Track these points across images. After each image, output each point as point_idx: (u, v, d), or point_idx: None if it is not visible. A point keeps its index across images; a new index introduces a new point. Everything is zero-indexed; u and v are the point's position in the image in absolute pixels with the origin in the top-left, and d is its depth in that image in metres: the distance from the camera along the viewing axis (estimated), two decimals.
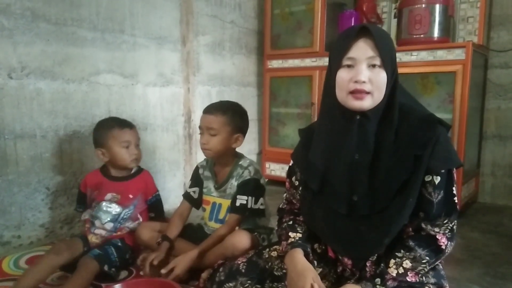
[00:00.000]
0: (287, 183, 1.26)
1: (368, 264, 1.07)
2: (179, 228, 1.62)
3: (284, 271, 1.17)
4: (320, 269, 1.15)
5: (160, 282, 1.33)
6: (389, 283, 0.99)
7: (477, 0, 2.47)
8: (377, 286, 0.99)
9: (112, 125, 1.66)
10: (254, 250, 1.34)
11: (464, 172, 2.24)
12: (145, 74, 2.25)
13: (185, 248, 1.53)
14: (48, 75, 1.81)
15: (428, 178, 0.99)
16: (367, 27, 0.99)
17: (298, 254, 1.10)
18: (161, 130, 2.39)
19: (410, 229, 1.04)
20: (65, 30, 1.86)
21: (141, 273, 1.53)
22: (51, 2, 1.80)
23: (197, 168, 1.75)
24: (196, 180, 1.72)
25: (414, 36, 2.36)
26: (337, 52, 1.03)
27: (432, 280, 1.05)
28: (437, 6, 2.31)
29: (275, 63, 2.95)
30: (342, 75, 1.01)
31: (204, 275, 1.39)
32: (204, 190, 1.69)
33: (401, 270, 0.99)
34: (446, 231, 1.01)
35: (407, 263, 1.00)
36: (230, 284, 1.19)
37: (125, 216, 1.66)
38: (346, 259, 1.11)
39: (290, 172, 1.24)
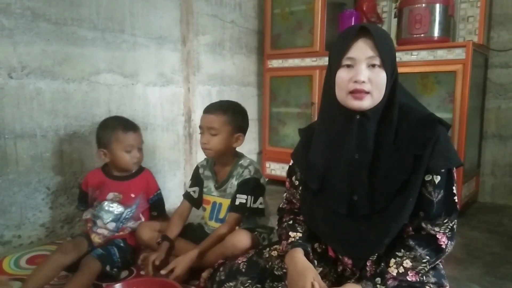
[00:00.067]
0: (287, 183, 1.26)
1: (368, 264, 1.07)
2: (179, 228, 1.62)
3: (284, 270, 1.17)
4: (320, 269, 1.15)
5: (160, 282, 1.33)
6: (390, 282, 1.00)
7: None
8: (378, 285, 0.99)
9: (117, 127, 1.63)
10: (255, 249, 1.34)
11: (464, 172, 2.24)
12: (145, 73, 2.25)
13: (185, 247, 1.53)
14: (48, 75, 1.81)
15: (428, 178, 0.99)
16: (366, 27, 0.99)
17: (299, 254, 1.10)
18: (161, 130, 2.39)
19: (410, 228, 1.04)
20: (65, 30, 1.86)
21: (142, 272, 1.53)
22: (51, 2, 1.80)
23: (197, 168, 1.75)
24: (196, 179, 1.72)
25: (414, 35, 2.36)
26: (336, 52, 1.03)
27: (433, 280, 1.05)
28: (437, 6, 2.31)
29: (275, 63, 2.95)
30: (342, 75, 1.01)
31: (205, 274, 1.39)
32: (204, 189, 1.69)
33: (401, 270, 0.99)
34: (446, 231, 1.01)
35: (407, 263, 1.00)
36: (231, 284, 1.20)
37: (127, 216, 1.66)
38: (346, 259, 1.11)
39: (290, 172, 1.24)
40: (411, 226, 1.04)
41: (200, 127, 1.59)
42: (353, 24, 2.66)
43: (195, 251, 1.45)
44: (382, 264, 1.02)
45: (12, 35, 1.69)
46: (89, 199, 1.71)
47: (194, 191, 1.70)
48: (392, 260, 1.01)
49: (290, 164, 1.24)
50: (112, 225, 1.63)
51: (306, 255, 1.11)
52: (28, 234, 1.80)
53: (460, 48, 2.17)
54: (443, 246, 1.00)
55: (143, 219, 1.70)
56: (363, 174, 1.03)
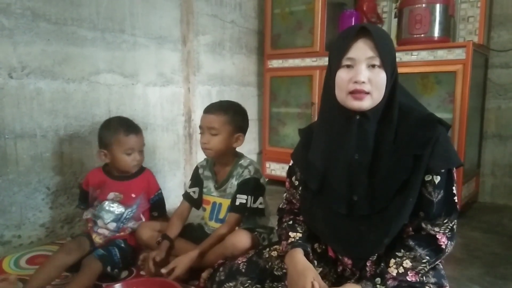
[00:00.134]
0: (287, 183, 1.26)
1: (368, 264, 1.07)
2: (178, 228, 1.62)
3: (284, 270, 1.17)
4: (320, 269, 1.15)
5: (160, 282, 1.33)
6: (389, 282, 1.00)
7: (477, 0, 2.47)
8: (377, 285, 0.99)
9: (118, 128, 1.62)
10: (254, 249, 1.34)
11: (464, 172, 2.24)
12: (145, 73, 2.25)
13: (185, 247, 1.53)
14: (48, 75, 1.81)
15: (428, 178, 0.99)
16: (366, 27, 0.99)
17: (298, 254, 1.10)
18: (161, 130, 2.39)
19: (410, 228, 1.04)
20: (65, 30, 1.86)
21: (142, 272, 1.53)
22: (51, 2, 1.80)
23: (197, 168, 1.74)
24: (196, 180, 1.72)
25: (415, 35, 2.36)
26: (336, 52, 1.03)
27: (432, 280, 1.05)
28: (438, 6, 2.31)
29: (275, 63, 2.95)
30: (342, 75, 1.01)
31: (204, 274, 1.39)
32: (204, 190, 1.69)
33: (401, 270, 0.99)
34: (446, 231, 1.01)
35: (407, 263, 1.00)
36: (230, 284, 1.20)
37: (128, 216, 1.66)
38: (346, 259, 1.11)
39: (290, 172, 1.24)
40: (411, 226, 1.04)
41: (200, 127, 1.59)
42: (353, 24, 2.66)
43: (196, 251, 1.45)
44: (382, 264, 1.02)
45: (12, 35, 1.69)
46: (89, 198, 1.70)
47: (194, 192, 1.70)
48: (392, 260, 1.01)
49: (290, 164, 1.24)
50: (112, 225, 1.63)
51: (306, 255, 1.11)
52: (28, 234, 1.80)
53: (460, 48, 2.17)
54: (443, 246, 1.00)
55: (143, 219, 1.70)
56: (363, 174, 1.03)
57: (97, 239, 1.61)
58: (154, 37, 2.29)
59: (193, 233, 1.66)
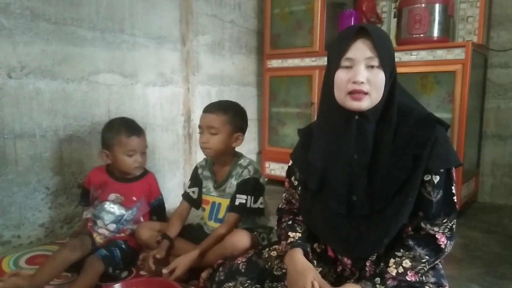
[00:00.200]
0: (286, 183, 1.26)
1: (367, 264, 1.07)
2: (178, 228, 1.62)
3: (283, 270, 1.17)
4: (320, 269, 1.15)
5: (160, 282, 1.33)
6: (389, 282, 1.00)
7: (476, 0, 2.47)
8: (377, 285, 0.99)
9: (121, 130, 1.62)
10: (254, 249, 1.34)
11: (463, 172, 2.24)
12: (144, 73, 2.25)
13: (185, 247, 1.53)
14: (47, 75, 1.81)
15: (427, 178, 1.00)
16: (365, 27, 0.99)
17: (298, 254, 1.10)
18: (161, 130, 2.39)
19: (410, 228, 1.04)
20: (65, 30, 1.86)
21: (141, 272, 1.53)
22: (50, 2, 1.80)
23: (196, 168, 1.74)
24: (195, 180, 1.72)
25: (414, 35, 2.36)
26: (335, 52, 1.03)
27: (432, 280, 1.05)
28: (437, 6, 2.31)
29: (274, 63, 2.95)
30: (341, 75, 1.01)
31: (204, 274, 1.39)
32: (204, 190, 1.69)
33: (400, 270, 0.99)
34: (446, 231, 1.01)
35: (406, 263, 1.00)
36: (230, 284, 1.20)
37: (128, 218, 1.65)
38: (345, 259, 1.11)
39: (290, 172, 1.24)
40: (410, 226, 1.04)
41: (200, 126, 1.59)
42: (352, 24, 2.66)
43: (196, 252, 1.45)
44: (382, 264, 1.02)
45: (12, 35, 1.69)
46: (90, 197, 1.70)
47: (193, 192, 1.70)
48: (392, 260, 1.01)
49: (289, 164, 1.24)
50: (112, 226, 1.63)
51: (306, 255, 1.11)
52: (27, 234, 1.80)
53: (460, 48, 2.17)
54: (442, 246, 1.00)
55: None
56: (362, 175, 1.03)
57: (98, 239, 1.61)
58: (154, 37, 2.29)
59: (192, 233, 1.66)
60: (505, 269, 1.63)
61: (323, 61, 2.66)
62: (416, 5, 2.35)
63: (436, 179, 0.99)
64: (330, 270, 1.17)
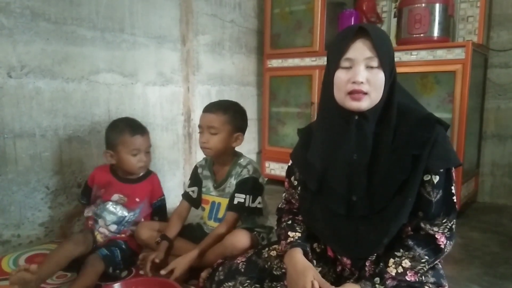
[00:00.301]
0: (286, 183, 1.26)
1: (367, 264, 1.07)
2: (178, 228, 1.62)
3: (283, 270, 1.17)
4: (319, 269, 1.15)
5: (159, 282, 1.33)
6: (388, 282, 1.00)
7: None
8: (376, 285, 0.99)
9: (124, 129, 1.62)
10: (254, 249, 1.34)
11: (463, 172, 2.24)
12: (144, 73, 2.25)
13: (184, 247, 1.53)
14: (47, 74, 1.81)
15: (427, 178, 0.99)
16: (365, 27, 0.99)
17: (298, 254, 1.10)
18: (161, 130, 2.39)
19: (409, 228, 1.04)
20: (65, 29, 1.86)
21: (141, 272, 1.53)
22: (50, 1, 1.80)
23: (195, 168, 1.74)
24: (195, 179, 1.72)
25: (414, 35, 2.36)
26: (335, 52, 1.03)
27: (432, 280, 1.05)
28: (437, 6, 2.31)
29: (274, 63, 2.95)
30: (340, 75, 1.01)
31: (204, 274, 1.39)
32: (203, 189, 1.69)
33: (400, 270, 0.99)
34: (445, 231, 1.01)
35: (406, 263, 1.00)
36: (230, 284, 1.20)
37: (129, 220, 1.65)
38: (345, 259, 1.11)
39: (289, 172, 1.24)
40: (410, 226, 1.04)
41: (200, 126, 1.59)
42: (352, 23, 2.66)
43: (195, 252, 1.45)
44: (381, 264, 1.02)
45: (12, 34, 1.69)
46: (92, 196, 1.70)
47: (193, 191, 1.70)
48: (391, 260, 1.01)
49: (289, 164, 1.24)
50: (113, 227, 1.63)
51: (305, 255, 1.11)
52: (27, 234, 1.80)
53: (460, 48, 2.17)
54: (442, 246, 1.00)
55: None
56: (362, 175, 1.03)
57: (99, 237, 1.61)
58: (154, 37, 2.29)
59: (192, 232, 1.66)
60: (504, 269, 1.63)
61: (323, 61, 2.66)
62: (416, 5, 2.34)
63: (436, 179, 0.99)
64: (329, 270, 1.17)
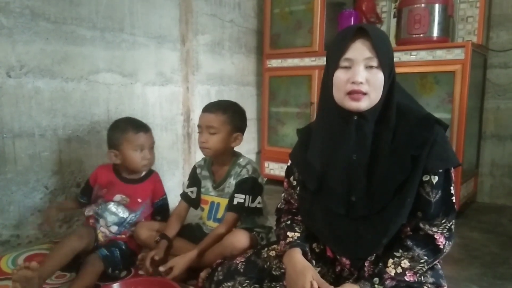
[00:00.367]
0: (285, 183, 1.26)
1: (366, 264, 1.07)
2: (176, 228, 1.61)
3: (282, 270, 1.17)
4: (319, 269, 1.15)
5: (159, 281, 1.33)
6: (388, 282, 1.00)
7: (476, 0, 2.47)
8: (376, 285, 0.99)
9: (127, 128, 1.62)
10: (253, 249, 1.34)
11: (463, 172, 2.25)
12: (144, 73, 2.25)
13: (184, 247, 1.53)
14: (47, 74, 1.81)
15: (426, 178, 1.00)
16: (364, 27, 0.99)
17: (297, 254, 1.10)
18: (160, 129, 2.38)
19: (408, 228, 1.04)
20: (65, 29, 1.86)
21: (140, 272, 1.53)
22: (50, 1, 1.80)
23: (194, 168, 1.74)
24: (194, 180, 1.71)
25: (414, 35, 2.36)
26: (334, 53, 1.03)
27: (431, 280, 1.05)
28: (437, 6, 2.31)
29: (274, 63, 2.95)
30: (340, 76, 1.01)
31: (203, 274, 1.39)
32: (202, 189, 1.69)
33: (399, 270, 0.99)
34: (444, 231, 1.01)
35: (405, 263, 1.00)
36: (229, 284, 1.20)
37: (130, 221, 1.65)
38: (344, 259, 1.11)
39: (288, 172, 1.24)
40: (409, 226, 1.04)
41: (199, 126, 1.59)
42: (352, 24, 2.66)
43: (194, 252, 1.45)
44: (380, 264, 1.02)
45: (11, 34, 1.68)
46: (93, 195, 1.69)
47: (191, 191, 1.70)
48: (390, 260, 1.01)
49: (288, 164, 1.24)
50: (114, 228, 1.62)
51: (304, 255, 1.11)
52: (26, 234, 1.79)
53: (459, 48, 2.17)
54: (441, 246, 1.00)
55: None
56: (361, 175, 1.03)
57: (100, 236, 1.61)
58: (154, 37, 2.29)
59: (191, 232, 1.65)
60: (504, 270, 1.63)
61: (322, 61, 2.66)
62: (416, 5, 2.35)
63: (435, 179, 0.99)
64: (328, 270, 1.17)
